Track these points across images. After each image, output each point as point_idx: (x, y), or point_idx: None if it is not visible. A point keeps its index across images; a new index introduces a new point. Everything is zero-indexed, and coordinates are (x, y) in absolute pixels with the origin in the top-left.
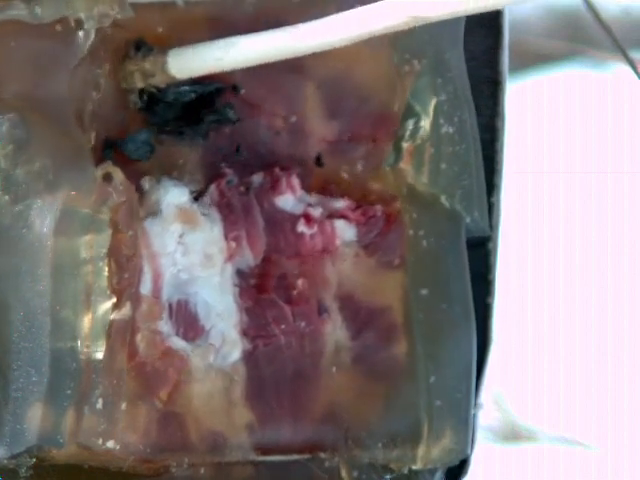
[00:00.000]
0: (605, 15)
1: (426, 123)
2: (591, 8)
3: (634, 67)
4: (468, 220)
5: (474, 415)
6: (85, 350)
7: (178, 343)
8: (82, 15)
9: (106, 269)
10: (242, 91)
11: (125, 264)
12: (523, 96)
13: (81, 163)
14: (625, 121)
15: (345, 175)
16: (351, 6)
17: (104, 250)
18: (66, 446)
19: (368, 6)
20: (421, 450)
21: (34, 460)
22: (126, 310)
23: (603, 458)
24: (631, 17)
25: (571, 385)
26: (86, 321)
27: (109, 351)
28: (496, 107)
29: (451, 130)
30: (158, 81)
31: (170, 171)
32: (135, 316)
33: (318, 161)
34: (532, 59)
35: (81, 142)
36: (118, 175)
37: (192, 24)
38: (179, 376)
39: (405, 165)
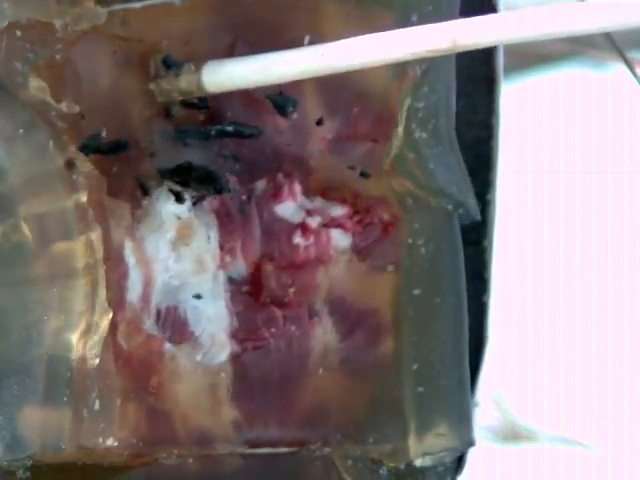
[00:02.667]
0: None
1: (400, 128)
2: None
3: (631, 68)
4: (461, 211)
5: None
6: (79, 358)
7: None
8: (55, 21)
9: (104, 277)
10: None
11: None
12: (523, 96)
13: (46, 161)
14: (625, 121)
15: (345, 175)
16: None
17: (100, 253)
18: (67, 449)
19: (414, 28)
20: (412, 441)
21: (31, 461)
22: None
23: (603, 458)
24: None
25: (571, 385)
26: (85, 330)
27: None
28: (492, 104)
29: (425, 135)
30: (195, 96)
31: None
32: (117, 321)
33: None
34: (532, 59)
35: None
36: (85, 164)
37: (188, 27)
38: (161, 359)
39: (389, 168)
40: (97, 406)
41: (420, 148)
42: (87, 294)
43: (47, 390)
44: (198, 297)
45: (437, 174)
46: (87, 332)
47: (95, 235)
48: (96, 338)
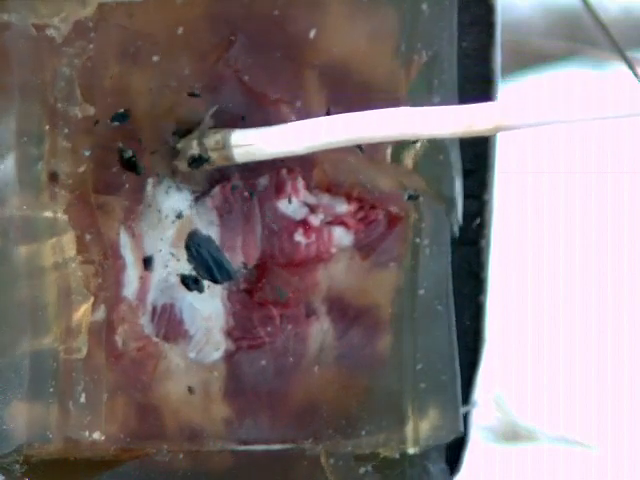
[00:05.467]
0: (605, 15)
1: None
2: (588, 8)
3: (632, 67)
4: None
5: (468, 413)
6: (65, 350)
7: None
8: (48, 20)
9: (79, 272)
10: (246, 77)
11: (97, 268)
12: (523, 96)
13: (29, 170)
14: (625, 121)
15: (350, 167)
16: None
17: (72, 251)
18: (54, 441)
19: (453, 107)
20: (409, 429)
21: (22, 457)
22: (100, 313)
23: (603, 458)
24: (631, 17)
25: (571, 385)
26: (65, 323)
27: (87, 350)
28: None
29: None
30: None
31: (176, 170)
32: (113, 318)
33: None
34: (532, 59)
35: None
36: (67, 176)
37: (191, 19)
38: (156, 362)
39: (407, 160)
40: (83, 399)
41: (446, 152)
42: (60, 289)
43: (33, 383)
44: (197, 287)
45: (454, 184)
46: (68, 323)
47: (67, 237)
48: (79, 328)
